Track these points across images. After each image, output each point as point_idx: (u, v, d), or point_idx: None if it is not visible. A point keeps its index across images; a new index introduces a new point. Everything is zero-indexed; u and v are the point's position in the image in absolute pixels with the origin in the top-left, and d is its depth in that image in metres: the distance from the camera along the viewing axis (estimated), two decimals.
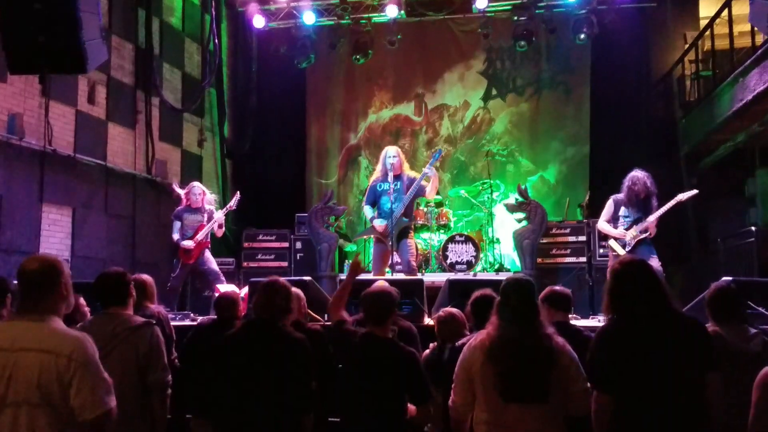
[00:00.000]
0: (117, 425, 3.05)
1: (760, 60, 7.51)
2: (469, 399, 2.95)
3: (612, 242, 6.49)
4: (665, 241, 6.46)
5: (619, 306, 2.86)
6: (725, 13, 8.66)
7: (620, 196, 6.53)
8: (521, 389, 2.78)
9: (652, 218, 6.28)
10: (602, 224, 6.65)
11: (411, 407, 3.33)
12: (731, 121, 8.51)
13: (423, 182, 6.60)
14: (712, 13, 9.42)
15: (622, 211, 6.49)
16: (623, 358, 2.75)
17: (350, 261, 10.13)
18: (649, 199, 6.40)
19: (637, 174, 6.44)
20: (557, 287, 4.06)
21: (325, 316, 5.29)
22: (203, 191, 7.46)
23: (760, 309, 4.58)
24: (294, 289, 4.35)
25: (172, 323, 5.16)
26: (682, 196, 6.29)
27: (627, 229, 6.39)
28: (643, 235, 6.33)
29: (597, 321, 5.94)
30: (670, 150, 10.34)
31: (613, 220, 6.55)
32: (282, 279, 3.50)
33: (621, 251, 6.33)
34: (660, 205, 6.36)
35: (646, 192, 6.36)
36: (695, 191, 6.37)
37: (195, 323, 5.51)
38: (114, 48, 8.57)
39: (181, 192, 7.57)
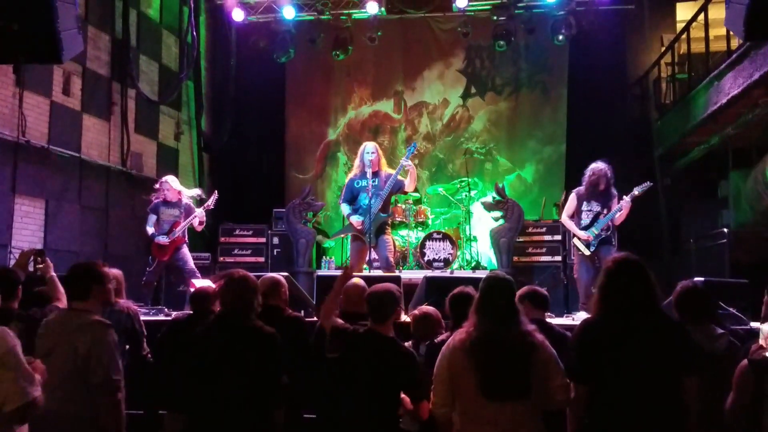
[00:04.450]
0: (63, 427, 2.99)
1: (735, 64, 7.63)
2: (450, 398, 2.95)
3: (576, 241, 6.59)
4: (637, 240, 6.53)
5: (607, 302, 2.89)
6: (702, 16, 8.77)
7: (581, 189, 6.59)
8: (503, 386, 2.80)
9: (616, 215, 6.36)
10: (566, 220, 6.74)
11: (406, 400, 3.36)
12: (705, 124, 8.64)
13: (400, 177, 6.60)
14: (688, 17, 9.54)
15: (584, 205, 6.54)
16: (601, 352, 2.79)
17: (324, 259, 10.12)
18: (608, 191, 6.46)
19: (598, 165, 6.49)
20: (537, 287, 4.09)
21: (302, 312, 5.28)
22: (171, 186, 7.14)
23: (731, 309, 4.65)
24: (276, 276, 4.34)
25: (146, 318, 5.13)
26: (637, 191, 6.35)
27: (589, 225, 6.44)
28: (605, 234, 6.42)
29: (571, 320, 5.99)
30: (644, 151, 10.48)
31: (576, 214, 6.60)
32: (244, 271, 3.39)
33: (586, 251, 6.44)
34: (620, 197, 6.43)
35: (606, 183, 6.42)
36: (649, 183, 6.41)
37: (169, 318, 5.45)
38: (90, 38, 8.42)
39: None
